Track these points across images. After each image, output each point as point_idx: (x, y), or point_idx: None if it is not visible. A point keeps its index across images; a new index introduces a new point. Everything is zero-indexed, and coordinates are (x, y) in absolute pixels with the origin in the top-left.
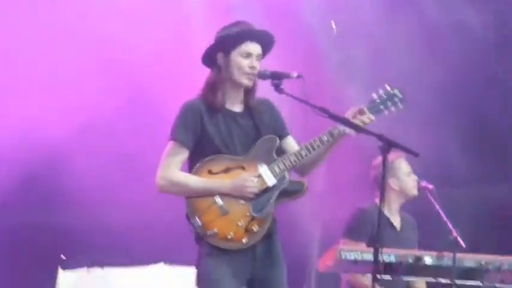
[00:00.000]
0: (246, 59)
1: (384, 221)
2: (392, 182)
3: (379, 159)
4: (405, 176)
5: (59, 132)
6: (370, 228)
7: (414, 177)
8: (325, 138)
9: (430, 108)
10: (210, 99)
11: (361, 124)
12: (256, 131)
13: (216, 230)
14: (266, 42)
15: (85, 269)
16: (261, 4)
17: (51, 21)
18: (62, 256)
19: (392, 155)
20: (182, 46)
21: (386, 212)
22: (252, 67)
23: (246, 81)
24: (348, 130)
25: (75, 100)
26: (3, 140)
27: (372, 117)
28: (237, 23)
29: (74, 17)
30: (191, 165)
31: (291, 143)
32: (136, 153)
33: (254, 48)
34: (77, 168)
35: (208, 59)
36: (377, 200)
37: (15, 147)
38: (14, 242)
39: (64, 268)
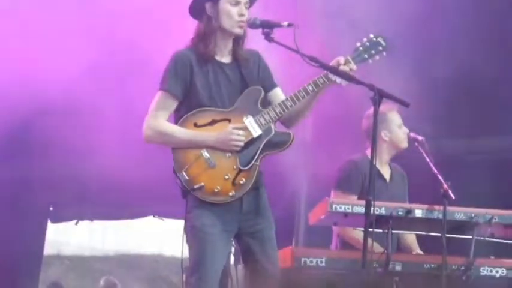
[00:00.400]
0: (235, 6)
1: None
2: (383, 134)
3: (372, 109)
4: (397, 128)
5: (55, 82)
6: (360, 180)
7: (405, 130)
8: (310, 88)
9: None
10: (201, 49)
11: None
12: (244, 82)
13: (202, 183)
14: None
15: (74, 221)
16: None
17: None
18: (51, 208)
19: (384, 107)
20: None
21: (376, 163)
22: (242, 14)
23: (237, 30)
24: (338, 80)
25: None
26: None
27: (354, 67)
28: None
29: None
30: (177, 118)
31: (279, 94)
32: (128, 107)
33: None
34: (70, 119)
35: (197, 9)
36: (367, 152)
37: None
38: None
39: (53, 220)
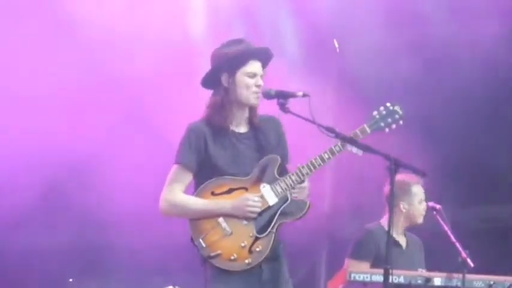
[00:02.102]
0: (252, 78)
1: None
2: (402, 205)
3: (397, 177)
4: (417, 203)
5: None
6: (374, 248)
7: (424, 206)
8: (326, 156)
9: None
10: (217, 120)
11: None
12: (261, 150)
13: (219, 251)
14: (267, 59)
15: None
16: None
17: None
18: (70, 280)
19: (410, 179)
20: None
21: (392, 232)
22: (259, 85)
23: (254, 101)
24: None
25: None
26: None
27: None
28: (239, 41)
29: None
30: (196, 187)
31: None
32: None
33: (258, 67)
34: (86, 189)
35: (211, 80)
36: (382, 221)
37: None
38: (25, 264)
39: None
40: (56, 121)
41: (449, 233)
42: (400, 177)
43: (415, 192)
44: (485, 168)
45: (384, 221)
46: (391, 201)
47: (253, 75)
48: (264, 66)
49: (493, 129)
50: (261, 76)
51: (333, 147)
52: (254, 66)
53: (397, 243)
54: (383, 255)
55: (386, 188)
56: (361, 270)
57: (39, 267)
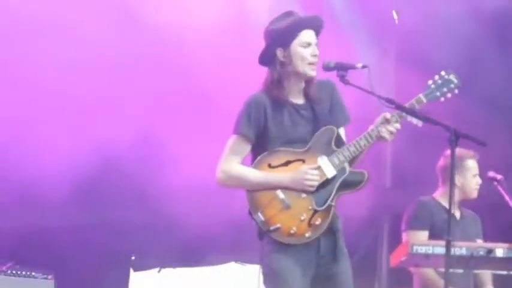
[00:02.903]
0: (307, 48)
1: (441, 210)
2: (457, 179)
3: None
4: (471, 177)
5: (124, 140)
6: (429, 218)
7: (479, 181)
8: (383, 128)
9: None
10: (275, 94)
11: (386, 135)
12: (317, 121)
13: (279, 224)
14: (318, 27)
15: (156, 269)
16: None
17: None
18: (133, 257)
19: (465, 153)
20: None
21: (444, 202)
22: (315, 55)
23: (310, 72)
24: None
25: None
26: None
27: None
28: (287, 14)
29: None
30: (253, 158)
31: (342, 135)
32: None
33: (311, 35)
34: (144, 169)
35: (267, 56)
36: (434, 194)
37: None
38: (86, 242)
39: (135, 269)
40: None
41: (510, 203)
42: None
43: (470, 167)
44: None
45: (437, 194)
46: (452, 174)
47: (307, 45)
48: (317, 34)
49: None
50: (316, 44)
51: (389, 117)
52: (307, 35)
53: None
54: (438, 227)
55: (441, 161)
56: (422, 242)
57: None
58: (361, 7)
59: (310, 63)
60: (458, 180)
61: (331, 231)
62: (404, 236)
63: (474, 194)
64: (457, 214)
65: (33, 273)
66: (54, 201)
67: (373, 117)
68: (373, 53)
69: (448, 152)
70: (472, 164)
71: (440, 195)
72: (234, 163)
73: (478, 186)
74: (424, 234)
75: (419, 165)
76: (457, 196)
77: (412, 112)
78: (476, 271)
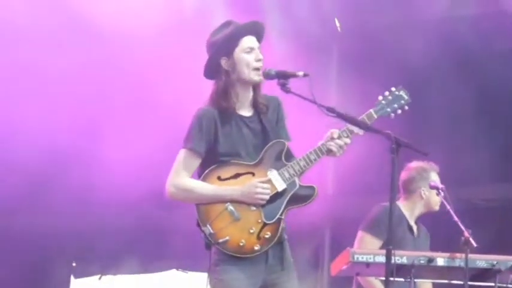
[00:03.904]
0: (250, 53)
1: (404, 225)
2: (422, 192)
3: (415, 163)
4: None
5: (68, 140)
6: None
7: (442, 194)
8: (331, 142)
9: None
10: (224, 105)
11: (335, 149)
12: (266, 134)
13: (227, 237)
14: (259, 32)
15: (97, 276)
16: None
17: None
18: (73, 263)
19: (428, 165)
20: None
21: (408, 216)
22: (259, 59)
23: (256, 77)
24: (356, 129)
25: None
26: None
27: (348, 140)
28: (226, 23)
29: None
30: (200, 171)
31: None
32: (150, 160)
33: (253, 41)
34: (87, 173)
35: (212, 68)
36: (399, 202)
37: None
38: (26, 249)
39: (76, 276)
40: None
41: (451, 212)
42: (418, 163)
43: (434, 179)
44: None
45: (401, 203)
46: (393, 181)
47: (250, 50)
48: (259, 39)
49: None
50: (259, 48)
51: (336, 136)
52: (249, 40)
53: (411, 229)
54: (396, 237)
55: (403, 174)
56: (363, 251)
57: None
58: (303, 15)
59: (255, 68)
60: (423, 193)
61: (278, 241)
62: (359, 234)
63: (437, 207)
64: (415, 228)
65: None
66: None
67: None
68: (314, 61)
69: (411, 164)
70: (435, 177)
71: (403, 206)
72: (185, 177)
73: (440, 200)
74: (377, 243)
75: (362, 173)
76: (419, 209)
77: (353, 121)
78: (417, 280)
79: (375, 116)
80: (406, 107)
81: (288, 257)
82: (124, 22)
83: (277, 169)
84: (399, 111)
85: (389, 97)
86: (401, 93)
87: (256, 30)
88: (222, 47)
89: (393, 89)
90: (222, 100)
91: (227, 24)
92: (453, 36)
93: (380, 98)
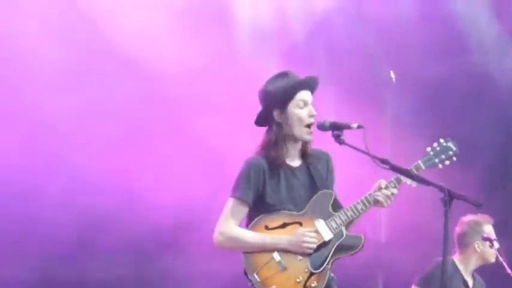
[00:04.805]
0: (304, 108)
1: (457, 275)
2: (476, 245)
3: (468, 217)
4: (490, 243)
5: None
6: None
7: (497, 245)
8: (379, 193)
9: None
10: (273, 156)
11: (382, 200)
12: (314, 185)
13: (274, 286)
14: (314, 86)
15: None
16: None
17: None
18: None
19: (481, 218)
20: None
21: (462, 270)
22: (312, 115)
23: (307, 137)
24: (409, 181)
25: None
26: None
27: (395, 191)
28: (283, 74)
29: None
30: (249, 220)
31: None
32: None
33: (307, 95)
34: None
35: (264, 117)
36: (453, 257)
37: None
38: None
39: None
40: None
41: (505, 264)
42: (471, 217)
43: (488, 232)
44: None
45: (456, 257)
46: (447, 233)
47: (304, 104)
48: (312, 93)
49: None
50: (312, 103)
51: (388, 183)
52: (303, 95)
53: (465, 283)
54: None
55: (458, 228)
56: None
57: None
58: (358, 66)
59: (307, 125)
60: (478, 246)
61: None
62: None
63: (493, 259)
64: (470, 282)
65: None
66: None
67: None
68: (369, 113)
69: (465, 218)
70: (489, 229)
71: (458, 260)
72: (232, 225)
73: (496, 252)
74: None
75: (414, 222)
76: (475, 263)
77: (406, 173)
78: None
79: (423, 167)
80: (455, 158)
81: None
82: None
83: (325, 219)
84: (447, 163)
85: (438, 148)
86: (449, 144)
87: (312, 85)
88: (277, 99)
89: (441, 140)
90: (272, 150)
91: (284, 75)
92: None
93: (428, 149)
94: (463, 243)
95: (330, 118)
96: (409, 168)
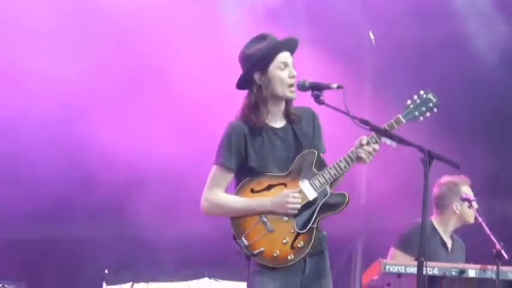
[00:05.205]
0: (284, 70)
1: (437, 240)
2: (455, 206)
3: (445, 178)
4: (468, 203)
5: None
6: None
7: (475, 205)
8: (360, 149)
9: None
10: (254, 119)
11: (364, 156)
12: (298, 144)
13: (262, 248)
14: (294, 47)
15: (129, 284)
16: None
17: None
18: (106, 271)
19: (458, 179)
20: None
21: (441, 232)
22: (293, 76)
23: (290, 94)
24: (388, 141)
25: None
26: None
27: (376, 146)
28: (262, 37)
29: None
30: (237, 184)
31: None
32: (181, 170)
33: (288, 57)
34: (119, 184)
35: (245, 81)
36: (433, 218)
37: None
38: (58, 255)
39: (108, 283)
40: None
41: (483, 224)
42: (448, 178)
43: (465, 192)
44: None
45: (435, 219)
46: (426, 194)
47: (284, 66)
48: (292, 54)
49: None
50: (292, 64)
51: (365, 142)
52: (284, 56)
53: (444, 244)
54: (429, 251)
55: (435, 190)
56: (395, 262)
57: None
58: (337, 26)
59: (290, 85)
60: (456, 207)
61: (317, 252)
62: (391, 252)
63: (472, 219)
64: (449, 243)
65: (5, 285)
66: (25, 213)
67: (348, 136)
68: (348, 73)
69: (441, 180)
70: (467, 190)
71: (437, 222)
72: (218, 192)
73: (475, 211)
74: (409, 260)
75: (393, 184)
76: (454, 224)
77: (386, 133)
78: None
79: (403, 121)
80: (435, 110)
81: (326, 268)
82: None
83: (309, 179)
84: (428, 114)
85: (418, 100)
86: (430, 96)
87: (291, 46)
88: (257, 62)
89: (421, 92)
90: (252, 114)
91: (262, 37)
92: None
93: (408, 102)
94: (441, 204)
95: (309, 79)
96: (388, 122)
